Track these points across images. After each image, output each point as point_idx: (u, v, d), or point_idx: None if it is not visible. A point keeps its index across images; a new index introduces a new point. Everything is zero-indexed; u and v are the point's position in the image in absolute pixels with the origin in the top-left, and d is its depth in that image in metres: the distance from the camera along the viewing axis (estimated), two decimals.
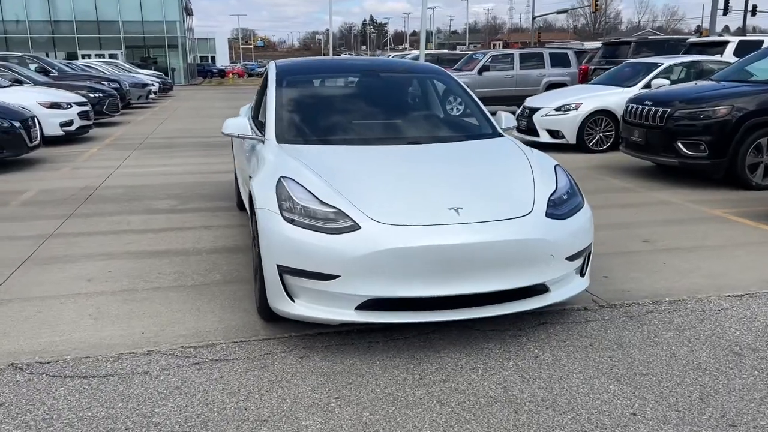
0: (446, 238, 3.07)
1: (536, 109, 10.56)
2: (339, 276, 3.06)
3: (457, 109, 4.80)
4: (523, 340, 3.41)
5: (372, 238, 3.06)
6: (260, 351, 3.28)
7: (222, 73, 66.57)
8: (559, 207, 3.46)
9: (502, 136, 4.39)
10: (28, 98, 10.98)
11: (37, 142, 9.38)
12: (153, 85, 23.36)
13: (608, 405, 2.78)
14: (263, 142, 4.13)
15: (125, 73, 22.75)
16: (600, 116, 10.14)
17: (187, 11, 55.41)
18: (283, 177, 3.45)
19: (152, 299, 4.00)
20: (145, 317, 3.72)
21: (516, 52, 17.15)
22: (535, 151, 4.12)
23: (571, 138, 10.20)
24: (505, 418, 2.67)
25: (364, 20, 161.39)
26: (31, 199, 6.99)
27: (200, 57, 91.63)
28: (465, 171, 3.69)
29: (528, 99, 11.26)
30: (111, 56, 47.75)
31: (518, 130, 11.05)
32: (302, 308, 3.19)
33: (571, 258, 3.39)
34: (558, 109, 10.29)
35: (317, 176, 3.44)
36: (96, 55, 46.60)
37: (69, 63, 21.29)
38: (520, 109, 11.11)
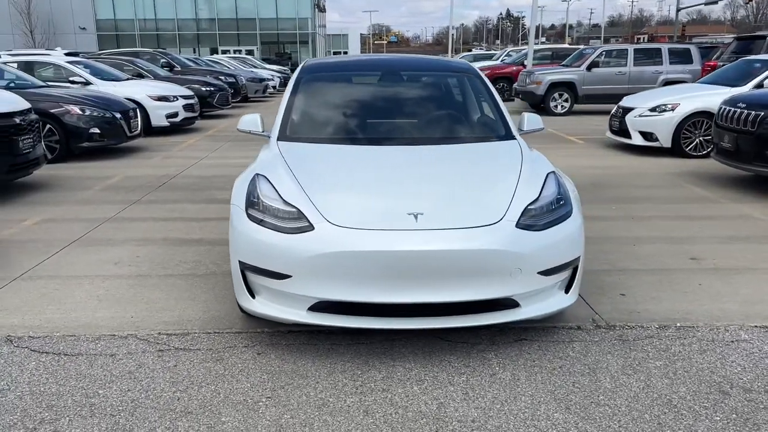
0: (397, 243, 2.98)
1: (630, 109, 9.91)
2: (291, 276, 3.06)
3: (476, 109, 4.61)
4: (489, 356, 3.24)
5: (323, 239, 3.03)
6: (225, 343, 3.37)
7: None
8: (538, 217, 3.24)
9: (513, 139, 4.17)
10: (139, 91, 11.92)
11: (136, 132, 10.14)
12: (272, 79, 24.43)
13: None
14: (267, 139, 4.22)
15: (247, 68, 23.94)
16: (700, 118, 9.33)
17: (319, 8, 57.29)
18: (257, 175, 3.51)
19: (159, 286, 4.22)
20: (143, 302, 3.94)
21: (630, 48, 16.14)
22: (537, 155, 3.88)
23: (665, 141, 9.47)
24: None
25: (500, 14, 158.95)
26: (112, 185, 7.58)
27: (333, 53, 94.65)
28: (446, 174, 3.55)
29: (624, 98, 10.57)
30: (248, 52, 50.63)
31: (610, 130, 10.44)
32: (260, 305, 3.23)
33: (546, 273, 3.17)
34: (653, 109, 9.59)
35: (291, 175, 3.45)
36: (234, 50, 49.55)
37: (196, 59, 22.76)
38: (614, 108, 10.47)
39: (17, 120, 6.80)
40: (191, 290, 4.14)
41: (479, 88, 4.65)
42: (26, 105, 7.21)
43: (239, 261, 3.24)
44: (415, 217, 3.10)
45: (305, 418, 2.69)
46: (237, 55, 34.11)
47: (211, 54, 42.01)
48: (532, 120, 4.43)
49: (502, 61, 24.79)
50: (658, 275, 4.40)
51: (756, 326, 3.58)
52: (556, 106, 15.83)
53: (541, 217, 3.24)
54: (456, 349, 3.31)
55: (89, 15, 49.16)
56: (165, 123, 12.09)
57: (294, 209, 3.19)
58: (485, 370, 3.09)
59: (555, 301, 3.31)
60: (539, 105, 16.07)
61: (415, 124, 4.33)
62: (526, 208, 3.24)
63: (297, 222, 3.13)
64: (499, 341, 3.40)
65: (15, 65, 11.91)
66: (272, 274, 3.11)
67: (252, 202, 3.31)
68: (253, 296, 3.26)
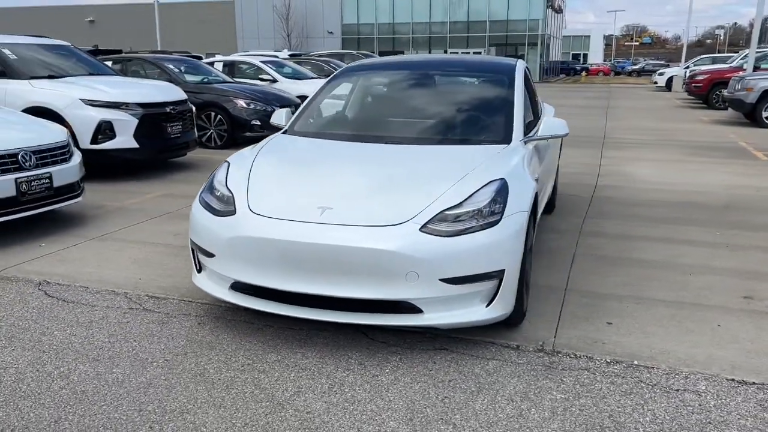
0: (293, 234, 3.11)
1: None
2: (215, 255, 3.36)
3: (490, 111, 4.38)
4: (392, 358, 3.21)
5: (239, 224, 3.27)
6: (181, 311, 3.77)
7: (585, 71, 65.48)
8: (453, 223, 3.11)
9: (508, 143, 3.96)
10: (314, 89, 12.98)
11: None
12: None
13: None
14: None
15: None
16: None
17: (555, 9, 55.83)
18: (226, 161, 3.84)
19: (186, 256, 4.77)
20: (160, 269, 4.51)
21: None
22: (504, 160, 3.65)
23: None
24: (259, 414, 2.68)
25: None
26: None
27: (572, 54, 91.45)
28: (391, 174, 3.53)
29: None
30: (475, 53, 51.44)
31: None
32: (200, 280, 3.57)
33: (451, 281, 3.05)
34: None
35: (249, 165, 3.72)
36: (461, 52, 50.68)
37: None
38: None
39: (168, 109, 7.99)
40: None
41: (506, 90, 4.45)
42: (182, 96, 8.41)
43: (190, 238, 3.61)
44: (322, 211, 3.19)
45: (175, 381, 2.96)
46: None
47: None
48: (549, 125, 4.15)
49: (733, 65, 22.05)
50: (678, 309, 3.86)
51: (728, 379, 3.02)
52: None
53: (456, 222, 3.11)
54: (369, 346, 3.32)
55: (336, 20, 53.76)
56: None
57: (229, 195, 3.46)
58: (372, 371, 3.08)
59: (468, 312, 3.16)
60: (749, 114, 14.13)
61: (415, 124, 4.31)
62: (441, 212, 3.14)
63: (227, 206, 3.41)
64: (418, 346, 3.33)
65: (221, 65, 13.76)
66: (204, 251, 3.44)
67: (209, 185, 3.66)
68: (199, 271, 3.61)
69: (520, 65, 4.85)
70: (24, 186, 4.95)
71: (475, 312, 3.17)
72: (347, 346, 3.31)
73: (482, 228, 3.12)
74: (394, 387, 2.92)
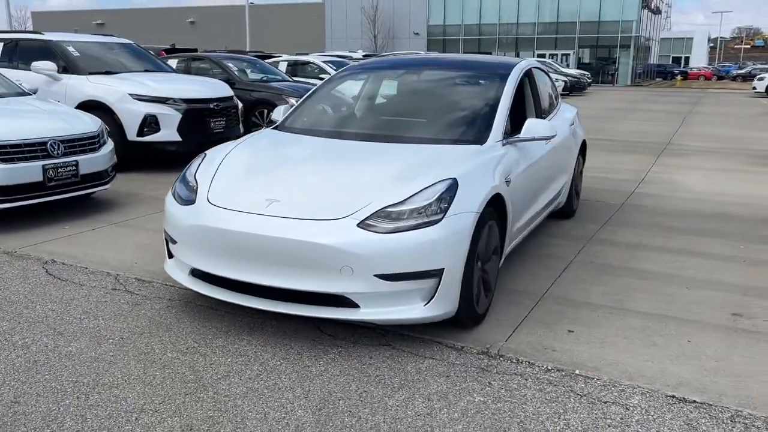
0: (236, 224, 3.23)
1: None
2: (177, 242, 3.54)
3: (475, 111, 4.31)
4: (332, 350, 3.26)
5: (195, 213, 3.43)
6: (158, 294, 3.97)
7: (682, 75, 62.32)
8: (393, 220, 3.13)
9: (482, 144, 3.92)
10: None
11: None
12: None
13: (260, 426, 2.64)
14: None
15: None
16: None
17: (651, 9, 53.51)
18: (205, 152, 4.02)
19: None
20: (157, 254, 4.75)
21: None
22: (466, 161, 3.61)
23: None
24: (179, 394, 2.82)
25: None
26: None
27: (672, 58, 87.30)
28: (348, 170, 3.58)
29: None
30: (564, 56, 50.22)
31: None
32: (169, 266, 3.75)
33: (386, 277, 3.07)
34: None
35: (221, 157, 3.86)
36: (550, 54, 49.55)
37: None
38: None
39: (211, 105, 8.36)
40: None
41: (494, 91, 4.38)
42: (227, 93, 8.77)
43: (164, 228, 3.80)
44: (270, 203, 3.29)
45: (119, 358, 3.15)
46: (538, 59, 34.17)
47: (534, 56, 42.59)
48: (531, 127, 4.07)
49: None
50: (653, 322, 3.70)
51: (667, 395, 2.88)
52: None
53: (395, 220, 3.13)
54: (315, 338, 3.39)
55: (423, 21, 53.87)
56: None
57: (194, 185, 3.63)
58: (307, 362, 3.14)
59: (406, 310, 3.17)
60: None
61: (395, 123, 4.33)
62: (382, 208, 3.16)
63: (190, 196, 3.57)
64: (363, 341, 3.37)
65: (285, 64, 14.18)
66: (169, 238, 3.62)
67: (182, 175, 3.84)
68: (170, 257, 3.80)
69: (522, 66, 4.76)
70: (50, 172, 5.35)
71: (413, 309, 3.17)
72: (294, 337, 3.40)
73: (422, 226, 3.12)
74: (319, 378, 2.98)
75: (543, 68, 5.67)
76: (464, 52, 51.03)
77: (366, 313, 3.14)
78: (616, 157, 10.12)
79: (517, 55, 49.51)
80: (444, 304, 3.20)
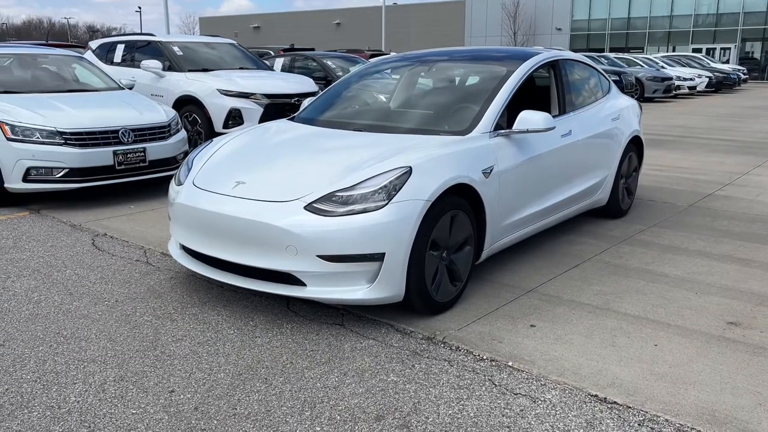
0: (205, 203, 3.54)
1: None
2: (171, 220, 3.94)
3: (471, 102, 4.24)
4: (287, 326, 3.47)
5: (181, 192, 3.79)
6: (169, 267, 4.40)
7: None
8: (339, 204, 3.28)
9: (466, 135, 3.93)
10: None
11: None
12: (690, 80, 22.43)
13: (181, 383, 2.92)
14: None
15: (655, 67, 22.50)
16: None
17: None
18: (213, 138, 4.38)
19: None
20: None
21: None
22: (432, 150, 3.64)
23: None
24: (129, 350, 3.18)
25: None
26: None
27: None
28: (322, 157, 3.75)
29: None
30: (723, 50, 46.37)
31: None
32: (170, 243, 4.14)
33: (329, 258, 3.24)
34: None
35: (222, 143, 4.20)
36: (707, 49, 45.96)
37: (601, 56, 22.51)
38: None
39: (293, 100, 8.85)
40: None
41: (495, 82, 4.35)
42: (311, 89, 9.23)
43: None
44: (237, 184, 3.57)
45: (100, 317, 3.58)
46: (685, 54, 31.89)
47: (676, 51, 39.90)
48: (524, 120, 4.01)
49: None
50: (629, 324, 3.54)
51: (590, 394, 2.79)
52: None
53: (344, 205, 3.28)
54: (279, 314, 3.62)
55: (566, 16, 52.11)
56: None
57: (189, 168, 4.00)
58: (257, 333, 3.38)
59: (350, 290, 3.31)
60: None
61: (390, 114, 4.44)
62: (331, 193, 3.33)
63: (183, 178, 3.95)
64: (320, 320, 3.54)
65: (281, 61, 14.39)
66: (168, 216, 4.03)
67: (187, 159, 4.22)
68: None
69: (537, 59, 4.64)
70: (120, 157, 6.02)
71: (357, 291, 3.30)
72: (260, 311, 3.65)
73: (365, 211, 3.24)
74: (258, 348, 3.21)
75: (583, 60, 5.47)
76: (610, 49, 48.62)
77: (312, 291, 3.32)
78: (718, 157, 9.35)
79: (673, 50, 46.38)
80: (387, 287, 3.30)
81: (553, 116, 4.49)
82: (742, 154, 9.67)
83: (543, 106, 4.91)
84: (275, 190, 3.45)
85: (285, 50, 16.29)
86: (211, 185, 3.67)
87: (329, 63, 11.79)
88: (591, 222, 5.61)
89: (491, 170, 3.83)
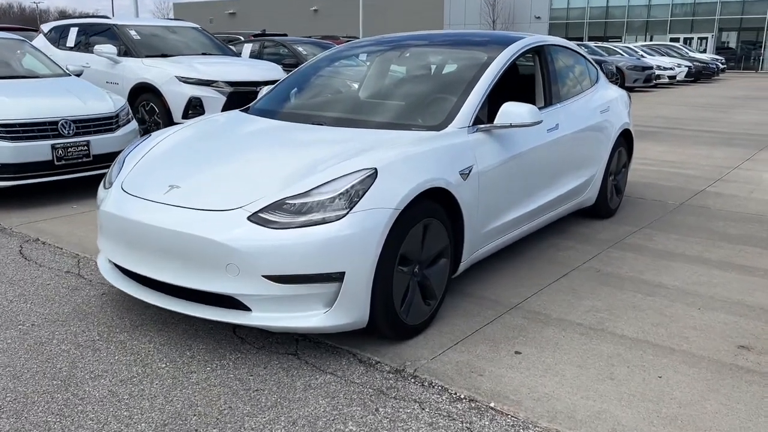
0: (131, 211, 2.99)
1: None
2: (99, 229, 3.37)
3: (448, 94, 3.75)
4: (231, 356, 2.95)
5: (107, 198, 3.23)
6: (104, 280, 3.85)
7: None
8: (291, 213, 2.75)
9: (440, 130, 3.42)
10: None
11: None
12: (670, 69, 22.16)
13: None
14: None
15: (635, 57, 22.18)
16: None
17: None
18: (152, 132, 3.81)
19: None
20: None
21: None
22: (401, 149, 3.12)
23: None
24: (38, 389, 2.64)
25: None
26: None
27: None
28: (276, 156, 3.21)
29: None
30: (701, 39, 46.40)
31: None
32: (99, 255, 3.59)
33: (278, 279, 2.72)
34: None
35: (159, 139, 3.63)
36: (684, 39, 45.94)
37: (582, 45, 22.14)
38: None
39: (258, 89, 8.22)
40: None
41: (473, 71, 3.84)
42: (278, 76, 8.63)
43: None
44: (170, 189, 3.02)
45: (15, 345, 3.02)
46: (664, 43, 31.69)
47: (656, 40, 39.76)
48: (506, 113, 3.51)
49: None
50: (628, 349, 3.07)
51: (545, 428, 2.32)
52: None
53: (297, 214, 2.75)
54: (222, 341, 3.10)
55: (545, 5, 51.75)
56: None
57: (121, 168, 3.43)
58: (193, 366, 2.86)
59: (304, 317, 2.79)
60: None
61: (357, 105, 3.91)
62: (281, 200, 2.80)
63: (112, 179, 3.38)
64: (270, 348, 3.03)
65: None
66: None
67: (120, 157, 3.65)
68: None
69: (520, 45, 4.13)
70: (60, 152, 5.42)
71: (312, 317, 2.79)
72: (201, 337, 3.12)
73: (321, 222, 2.71)
74: (192, 388, 2.68)
75: (570, 46, 4.98)
76: (588, 38, 48.35)
77: (258, 318, 2.79)
78: (704, 150, 8.97)
79: (651, 39, 46.30)
80: (348, 312, 2.79)
81: (538, 108, 4.01)
82: (729, 146, 9.31)
83: (526, 97, 4.41)
84: (215, 197, 2.91)
85: (255, 36, 15.57)
86: (140, 190, 3.11)
87: (300, 49, 11.19)
88: (577, 223, 5.16)
89: (470, 171, 3.33)
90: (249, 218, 2.75)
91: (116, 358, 2.92)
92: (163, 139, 3.61)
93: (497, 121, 3.51)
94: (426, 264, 3.14)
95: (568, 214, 4.81)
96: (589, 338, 3.16)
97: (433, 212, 3.08)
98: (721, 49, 45.14)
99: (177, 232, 2.79)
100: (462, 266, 3.48)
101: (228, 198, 2.87)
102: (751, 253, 4.50)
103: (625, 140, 5.41)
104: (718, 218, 5.40)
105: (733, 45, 46.44)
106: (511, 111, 3.49)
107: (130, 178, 3.25)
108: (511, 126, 3.51)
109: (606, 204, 5.20)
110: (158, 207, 2.93)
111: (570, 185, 4.51)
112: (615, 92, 5.38)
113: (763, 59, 44.35)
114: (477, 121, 3.57)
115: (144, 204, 2.99)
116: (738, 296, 3.73)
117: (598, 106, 4.92)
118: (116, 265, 3.25)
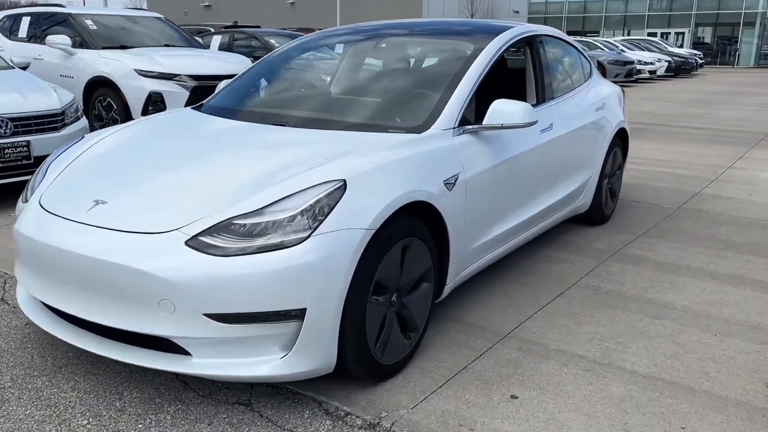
0: (46, 234, 2.46)
1: None
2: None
3: (431, 91, 3.28)
4: (169, 407, 2.44)
5: (22, 215, 2.70)
6: (16, 304, 3.31)
7: None
8: (241, 237, 2.25)
9: (421, 132, 2.93)
10: None
11: None
12: (651, 64, 21.93)
13: None
14: None
15: (615, 51, 21.92)
16: None
17: None
18: (85, 135, 3.28)
19: None
20: None
21: None
22: (372, 155, 2.62)
23: None
24: None
25: None
26: None
27: None
28: (226, 164, 2.68)
29: None
30: (678, 35, 46.45)
31: None
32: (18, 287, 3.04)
33: (223, 318, 2.21)
34: None
35: (99, 140, 3.11)
36: (662, 33, 45.96)
37: (578, 40, 21.80)
38: None
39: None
40: None
41: (458, 66, 3.35)
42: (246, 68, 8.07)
43: None
44: (94, 205, 2.50)
45: None
46: (643, 38, 31.55)
47: (634, 36, 39.64)
48: (501, 111, 3.03)
49: None
50: (642, 390, 2.62)
51: None
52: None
53: (248, 238, 2.24)
54: (161, 386, 2.59)
55: None
56: None
57: (43, 177, 2.89)
58: (121, 423, 2.35)
59: (256, 363, 2.28)
60: None
61: (326, 103, 3.42)
62: (227, 220, 2.28)
63: (31, 192, 2.84)
64: (219, 396, 2.53)
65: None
66: None
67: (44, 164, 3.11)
68: None
69: (509, 35, 3.65)
70: None
71: (264, 363, 2.28)
72: (137, 382, 2.61)
73: (279, 247, 2.21)
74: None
75: (563, 37, 4.52)
76: (567, 33, 48.19)
77: (200, 365, 2.28)
78: (698, 148, 8.60)
79: (628, 34, 46.23)
80: (311, 356, 2.29)
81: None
82: (719, 144, 8.96)
83: (516, 93, 3.94)
84: (147, 215, 2.39)
85: (226, 27, 14.93)
86: (60, 206, 2.58)
87: (273, 41, 10.62)
88: (569, 231, 4.71)
89: (456, 179, 2.85)
90: (187, 243, 2.24)
91: (27, 411, 2.39)
92: (96, 142, 3.07)
93: (486, 121, 3.03)
94: (405, 291, 2.66)
95: (561, 222, 4.37)
96: (595, 375, 2.71)
97: (413, 230, 2.60)
98: (697, 44, 45.23)
99: (98, 260, 2.27)
100: (447, 289, 3.01)
101: (163, 217, 2.35)
102: (760, 264, 4.09)
103: (621, 140, 4.98)
104: (719, 224, 5.00)
105: (708, 40, 46.58)
106: (503, 110, 3.02)
107: (51, 190, 2.72)
108: (502, 127, 3.03)
109: (600, 210, 4.77)
110: (78, 228, 2.41)
111: (565, 191, 4.05)
112: (609, 88, 4.95)
113: (739, 54, 44.54)
114: (463, 121, 3.09)
115: (62, 224, 2.46)
116: (756, 318, 3.31)
117: (593, 104, 4.47)
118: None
